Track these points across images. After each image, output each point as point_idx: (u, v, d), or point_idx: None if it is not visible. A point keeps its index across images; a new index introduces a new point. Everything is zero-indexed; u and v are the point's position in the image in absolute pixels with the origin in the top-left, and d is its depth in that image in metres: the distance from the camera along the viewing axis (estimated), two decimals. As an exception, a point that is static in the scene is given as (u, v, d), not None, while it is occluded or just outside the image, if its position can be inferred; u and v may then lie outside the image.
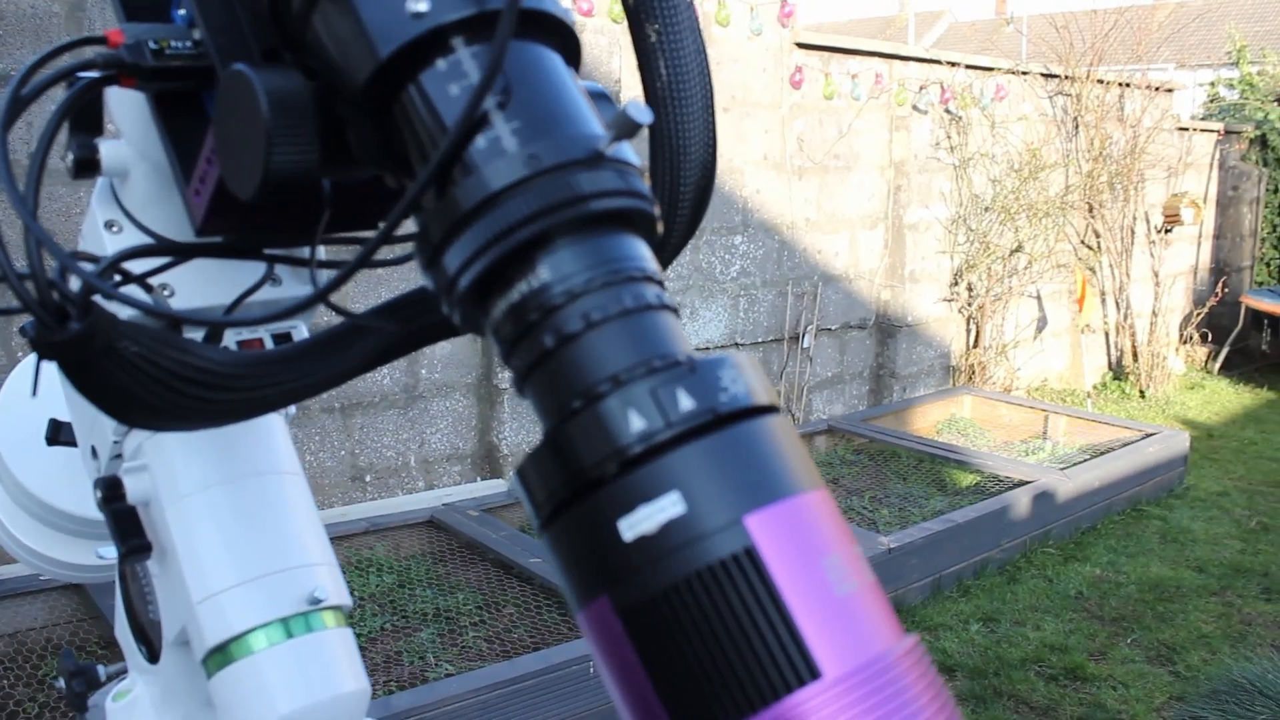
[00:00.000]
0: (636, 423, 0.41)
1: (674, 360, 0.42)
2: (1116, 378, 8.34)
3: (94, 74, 0.64)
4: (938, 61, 6.62)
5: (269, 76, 0.50)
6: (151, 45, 0.62)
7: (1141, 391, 8.07)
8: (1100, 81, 7.66)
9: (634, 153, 0.48)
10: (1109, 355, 8.47)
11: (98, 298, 0.55)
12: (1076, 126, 7.69)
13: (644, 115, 0.45)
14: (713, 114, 0.61)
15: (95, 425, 0.85)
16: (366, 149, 0.51)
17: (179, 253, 0.71)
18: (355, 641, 0.80)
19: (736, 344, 5.88)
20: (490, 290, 0.45)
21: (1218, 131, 9.28)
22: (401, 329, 0.67)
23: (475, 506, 4.47)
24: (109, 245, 0.75)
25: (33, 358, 1.12)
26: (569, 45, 0.51)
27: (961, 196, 6.95)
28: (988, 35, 34.53)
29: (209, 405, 0.59)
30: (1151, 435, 5.90)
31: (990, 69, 7.02)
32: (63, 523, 1.09)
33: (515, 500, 4.64)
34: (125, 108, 0.72)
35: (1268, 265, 10.00)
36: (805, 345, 6.15)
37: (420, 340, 0.69)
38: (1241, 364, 8.95)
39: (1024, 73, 7.26)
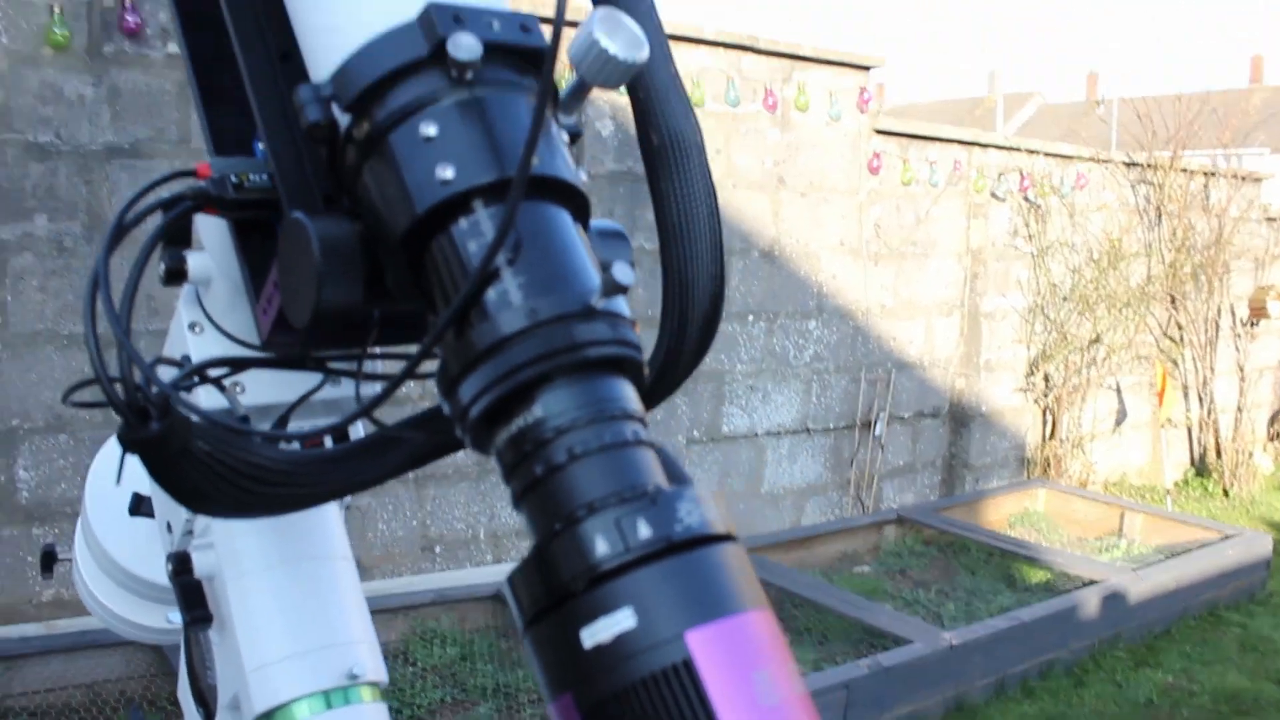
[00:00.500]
0: (602, 547, 0.48)
1: (642, 491, 0.50)
2: (1199, 474, 8.16)
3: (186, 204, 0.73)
4: (1017, 149, 6.64)
5: (322, 224, 0.59)
6: (233, 179, 0.71)
7: (1225, 490, 7.88)
8: (1184, 170, 7.60)
9: (625, 305, 0.55)
10: (1191, 451, 8.30)
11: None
12: (1159, 215, 7.62)
13: (628, 278, 0.53)
14: (721, 251, 0.68)
15: (170, 504, 0.93)
16: (402, 287, 0.59)
17: (246, 364, 0.79)
18: (389, 716, 0.87)
19: (808, 429, 5.89)
20: (495, 420, 0.53)
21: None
22: (432, 441, 0.74)
23: (540, 582, 4.51)
24: (191, 344, 0.85)
25: (101, 469, 1.23)
26: (578, 202, 0.59)
27: (1039, 285, 6.92)
28: (1077, 118, 34.33)
29: (267, 498, 0.67)
30: (1232, 537, 5.77)
31: (1071, 157, 7.02)
32: (139, 587, 1.19)
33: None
34: (209, 227, 0.82)
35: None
36: (877, 433, 6.14)
37: (451, 448, 0.76)
38: (1332, 463, 8.71)
39: (1105, 161, 7.24)
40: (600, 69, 0.58)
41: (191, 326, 0.85)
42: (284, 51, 0.72)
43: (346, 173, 0.61)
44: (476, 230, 0.56)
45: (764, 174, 5.49)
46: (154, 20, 3.92)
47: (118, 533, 1.17)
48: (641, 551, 0.47)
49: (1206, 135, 7.97)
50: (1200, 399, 8.09)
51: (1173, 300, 7.76)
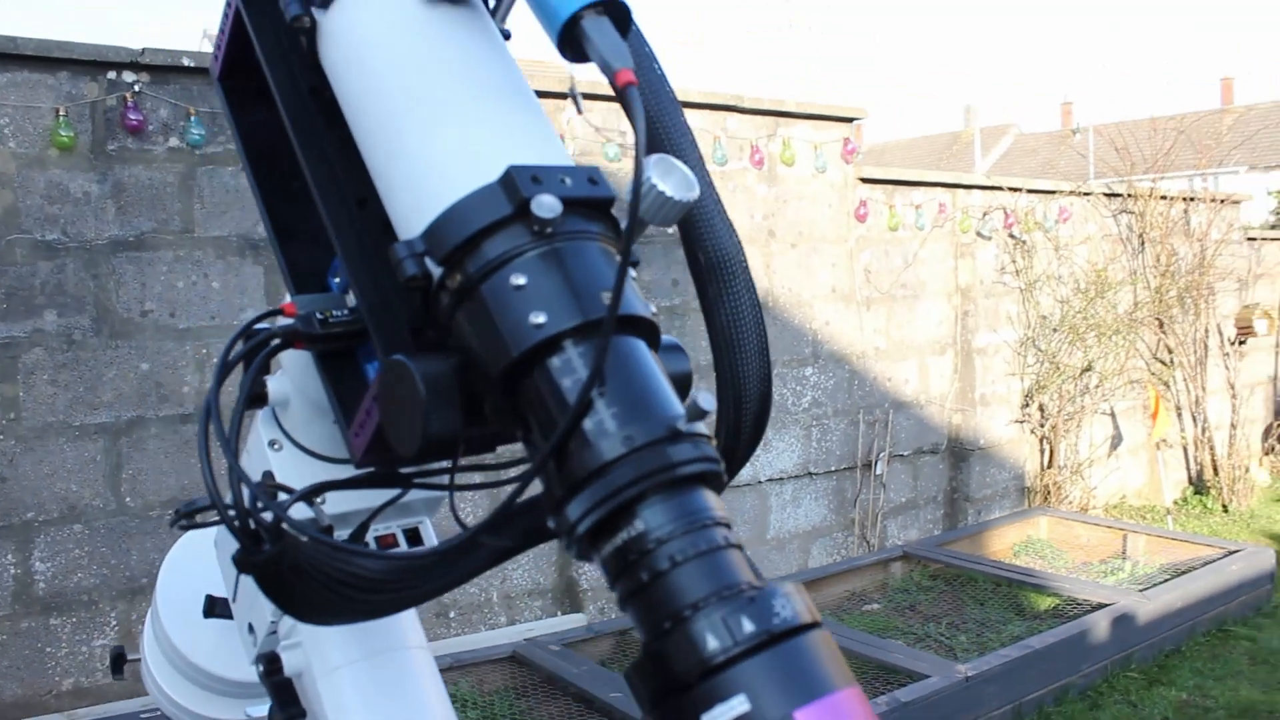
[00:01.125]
0: (712, 642, 0.55)
1: (738, 590, 0.58)
2: (1198, 492, 8.25)
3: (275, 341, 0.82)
4: (999, 188, 6.79)
5: (423, 365, 0.66)
6: (318, 315, 0.80)
7: (1224, 506, 7.96)
8: (1164, 197, 7.76)
9: (704, 426, 0.64)
10: (1188, 470, 8.38)
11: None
12: (1142, 243, 7.77)
13: (710, 404, 0.62)
14: (767, 356, 0.77)
15: (254, 607, 1.01)
16: (498, 413, 0.67)
17: (351, 486, 0.86)
18: None
19: (810, 473, 5.97)
20: (600, 534, 0.61)
21: (1288, 240, 9.29)
22: (511, 542, 0.84)
23: (556, 641, 4.58)
24: (272, 461, 0.94)
25: (197, 547, 1.31)
26: (651, 331, 0.68)
27: (1029, 318, 7.04)
28: (1055, 147, 34.73)
29: (370, 604, 0.76)
30: (1235, 552, 5.84)
31: (1053, 192, 7.17)
32: (212, 684, 1.26)
33: (595, 635, 4.74)
34: (289, 353, 0.91)
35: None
36: (878, 472, 6.23)
37: (531, 542, 0.85)
38: (1329, 473, 8.79)
39: (1086, 193, 7.40)
40: (659, 210, 0.67)
41: (271, 444, 0.94)
42: (360, 198, 0.80)
43: (440, 315, 0.68)
44: (569, 368, 0.63)
45: (754, 227, 5.62)
46: (155, 117, 4.05)
47: (191, 632, 1.24)
48: (747, 644, 0.55)
49: (1183, 158, 8.14)
50: (1194, 418, 8.20)
51: (1160, 324, 7.89)
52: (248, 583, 1.00)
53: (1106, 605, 5.03)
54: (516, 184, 0.66)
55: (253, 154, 0.94)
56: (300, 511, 0.87)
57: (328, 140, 0.83)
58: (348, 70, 0.78)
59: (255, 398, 0.91)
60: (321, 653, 0.96)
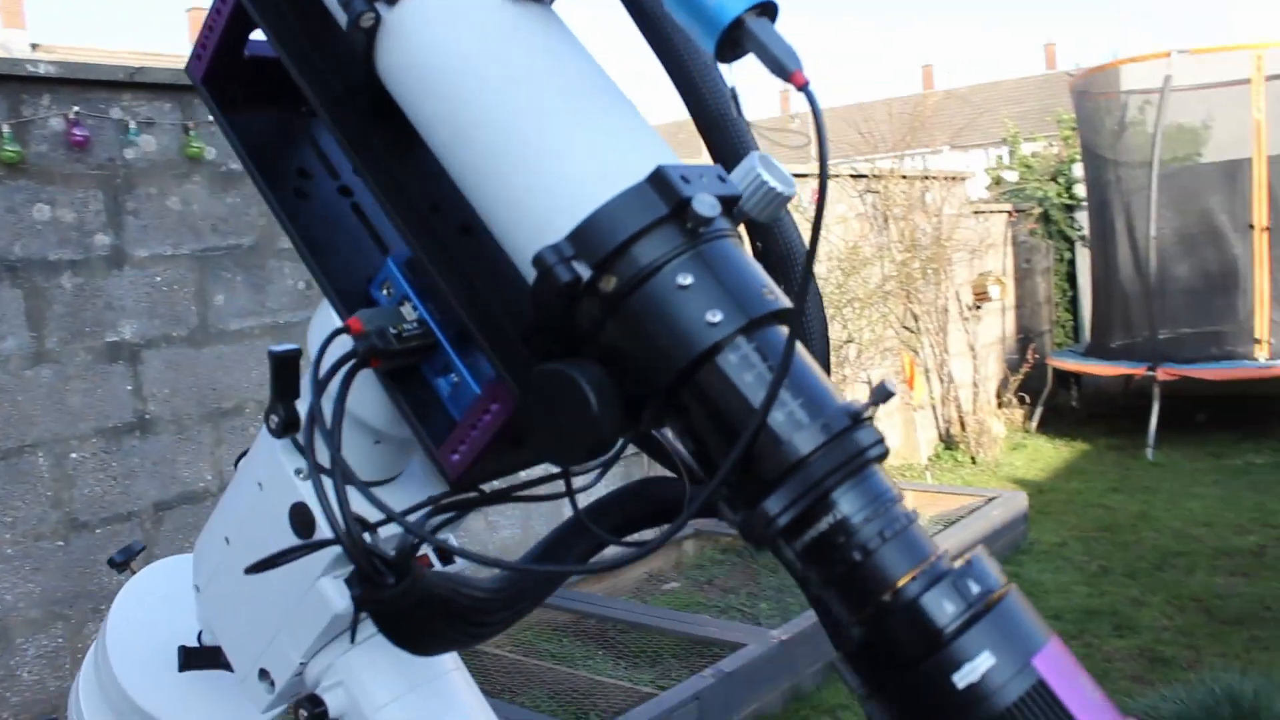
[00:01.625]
0: (949, 609, 0.60)
1: (936, 556, 0.63)
2: (948, 447, 8.90)
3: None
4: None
5: (585, 373, 0.65)
6: (392, 331, 0.78)
7: (973, 458, 8.62)
8: (904, 177, 8.33)
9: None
10: (938, 427, 9.03)
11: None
12: (886, 220, 8.31)
13: (897, 389, 0.67)
14: (828, 340, 0.83)
15: (270, 650, 0.98)
16: (657, 417, 0.68)
17: (475, 505, 0.86)
18: None
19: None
20: (797, 524, 0.63)
21: (1008, 212, 10.14)
22: (595, 546, 0.87)
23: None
24: (301, 489, 0.90)
25: (151, 592, 1.24)
26: (794, 324, 0.68)
27: (792, 296, 7.40)
28: (777, 132, 36.19)
29: (479, 630, 0.78)
30: (994, 499, 6.37)
31: (805, 175, 7.56)
32: None
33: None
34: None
35: (1063, 328, 10.88)
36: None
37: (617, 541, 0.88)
38: (1055, 420, 9.64)
39: (835, 175, 7.84)
40: (766, 204, 0.69)
41: (298, 472, 0.90)
42: (432, 204, 0.78)
43: (582, 321, 0.67)
44: (748, 363, 0.64)
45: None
46: None
47: (152, 685, 1.16)
48: (978, 607, 0.60)
49: (897, 139, 8.76)
50: (940, 379, 8.84)
51: (907, 295, 8.46)
52: (260, 626, 0.97)
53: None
54: (672, 183, 0.66)
55: (258, 162, 0.90)
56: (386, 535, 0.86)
57: (382, 145, 0.80)
58: (428, 71, 0.75)
59: (290, 424, 0.88)
60: (366, 691, 0.94)
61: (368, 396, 0.86)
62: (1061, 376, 9.84)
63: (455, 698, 0.98)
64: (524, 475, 0.87)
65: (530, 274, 0.69)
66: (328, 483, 0.92)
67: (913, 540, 0.64)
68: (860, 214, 8.12)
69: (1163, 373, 8.27)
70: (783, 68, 0.64)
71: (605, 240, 0.66)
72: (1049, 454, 8.91)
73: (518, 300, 0.74)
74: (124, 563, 1.27)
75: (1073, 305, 10.85)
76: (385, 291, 0.84)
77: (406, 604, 0.73)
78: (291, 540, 0.91)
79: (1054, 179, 10.61)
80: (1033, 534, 6.51)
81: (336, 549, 0.85)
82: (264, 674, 1.00)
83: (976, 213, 9.52)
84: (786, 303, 0.68)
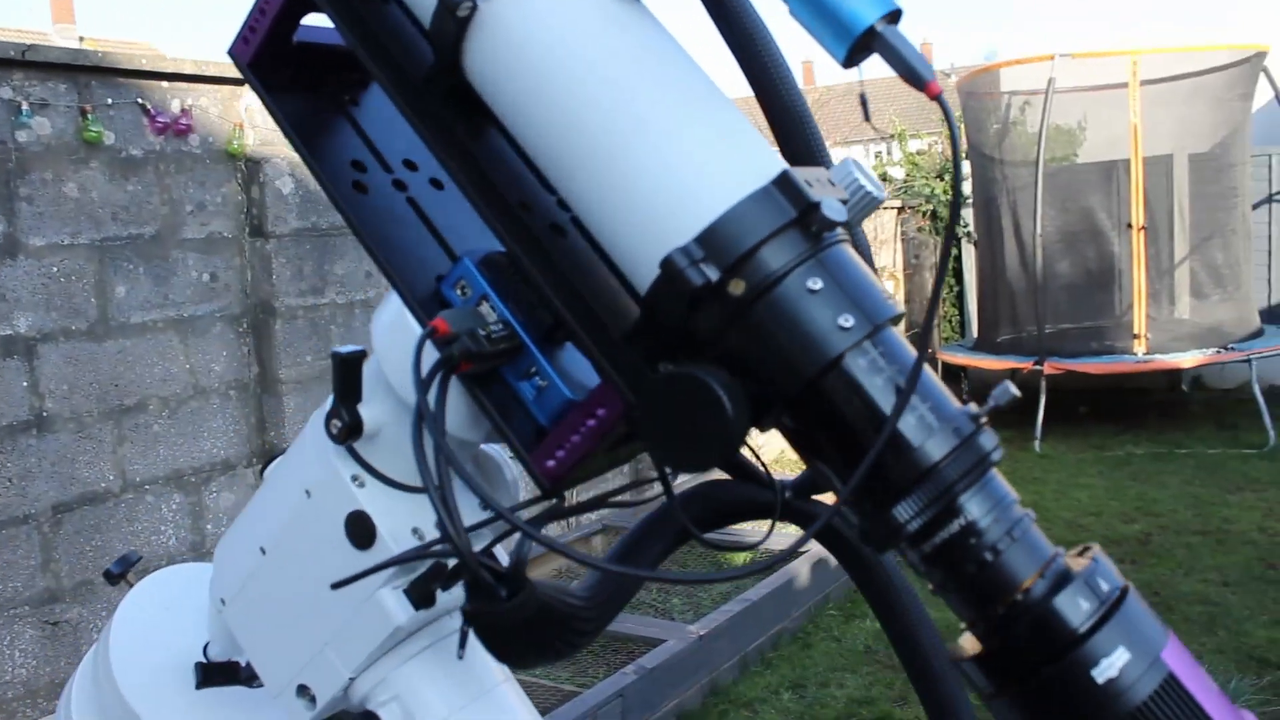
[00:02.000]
0: (1084, 607, 0.62)
1: (1056, 554, 0.65)
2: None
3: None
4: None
5: (715, 376, 0.64)
6: (482, 332, 0.75)
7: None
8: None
9: None
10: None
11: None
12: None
13: (1015, 391, 0.67)
14: None
15: (314, 664, 0.93)
16: (774, 423, 0.68)
17: (573, 513, 0.84)
18: None
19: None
20: (929, 528, 0.64)
21: (898, 209, 10.35)
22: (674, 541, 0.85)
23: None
24: (359, 497, 0.86)
25: (142, 597, 1.17)
26: (926, 331, 0.71)
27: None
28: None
29: (579, 640, 0.75)
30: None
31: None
32: None
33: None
34: (385, 379, 0.85)
35: (950, 323, 11.16)
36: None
37: (680, 544, 0.86)
38: (943, 413, 9.89)
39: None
40: (863, 209, 0.71)
41: (354, 479, 0.87)
42: (521, 201, 0.76)
43: (704, 326, 0.66)
44: (876, 367, 0.65)
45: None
46: None
47: (159, 700, 1.10)
48: (1109, 605, 0.62)
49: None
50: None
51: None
52: (304, 640, 0.93)
53: (803, 553, 5.45)
54: (799, 188, 0.65)
55: (315, 153, 0.85)
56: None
57: (466, 140, 0.77)
58: (533, 65, 0.72)
59: (355, 428, 0.85)
60: (424, 705, 0.91)
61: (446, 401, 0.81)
62: (950, 371, 10.09)
63: (511, 710, 0.95)
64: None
65: (639, 275, 0.69)
66: (374, 493, 0.88)
67: (1035, 540, 0.66)
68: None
69: (1049, 367, 8.54)
70: (918, 77, 0.65)
71: (735, 244, 0.65)
72: (939, 446, 9.09)
73: (614, 303, 0.74)
74: (121, 574, 1.19)
75: (959, 300, 11.14)
76: (460, 291, 0.81)
77: (521, 617, 0.70)
78: (346, 550, 0.87)
79: (940, 176, 10.87)
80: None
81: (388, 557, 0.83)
82: (304, 689, 0.95)
83: (868, 209, 9.69)
84: (902, 307, 0.69)
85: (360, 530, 0.86)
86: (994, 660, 0.65)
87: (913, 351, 0.67)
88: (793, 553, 0.70)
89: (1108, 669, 0.61)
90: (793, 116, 0.78)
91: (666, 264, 0.65)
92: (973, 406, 0.67)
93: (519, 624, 0.71)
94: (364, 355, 0.87)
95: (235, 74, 4.42)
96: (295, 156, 4.66)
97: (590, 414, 0.75)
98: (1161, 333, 8.61)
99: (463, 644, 0.79)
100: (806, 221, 0.65)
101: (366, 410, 0.86)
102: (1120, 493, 7.15)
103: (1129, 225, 8.67)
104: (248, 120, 4.48)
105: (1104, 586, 0.63)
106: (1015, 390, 0.67)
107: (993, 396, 0.66)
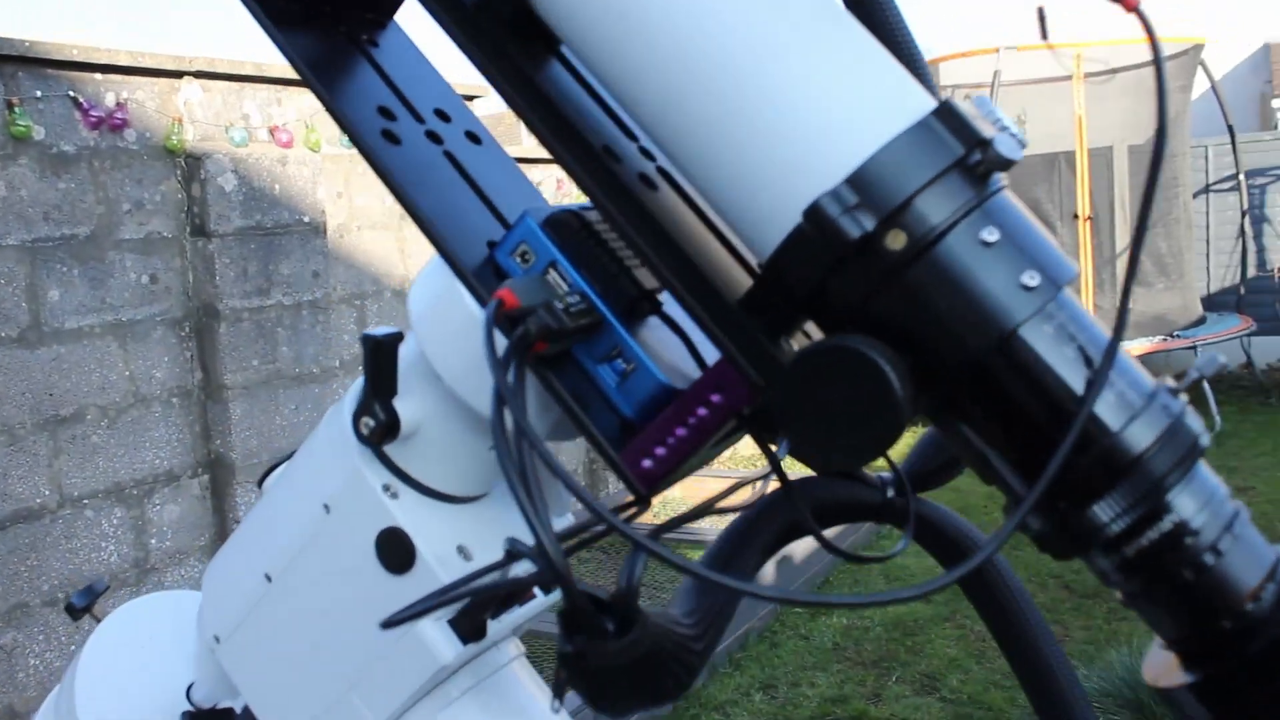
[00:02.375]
0: None
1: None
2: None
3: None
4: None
5: (879, 349, 0.53)
6: (559, 306, 0.62)
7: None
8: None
9: None
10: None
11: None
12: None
13: (1217, 363, 0.58)
14: None
15: (336, 710, 0.78)
16: (937, 404, 0.57)
17: (677, 524, 0.72)
18: None
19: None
20: (1135, 526, 0.54)
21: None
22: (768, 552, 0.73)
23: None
24: (393, 511, 0.73)
25: (112, 634, 1.01)
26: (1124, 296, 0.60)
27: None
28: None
29: (689, 677, 0.62)
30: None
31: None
32: None
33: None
34: (427, 368, 0.72)
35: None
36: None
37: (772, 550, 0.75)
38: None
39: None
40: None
41: (386, 489, 0.73)
42: (604, 145, 0.65)
43: (848, 289, 0.55)
44: (1065, 334, 0.55)
45: (386, 212, 5.41)
46: None
47: None
48: None
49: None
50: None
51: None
52: (322, 683, 0.78)
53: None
54: (967, 120, 0.55)
55: (335, 93, 0.71)
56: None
57: (533, 74, 0.65)
58: None
59: (392, 427, 0.71)
60: None
61: None
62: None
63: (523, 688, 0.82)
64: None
65: (763, 233, 0.58)
66: (409, 504, 0.75)
67: (1256, 538, 0.56)
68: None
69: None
70: None
71: (894, 187, 0.54)
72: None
73: (723, 269, 0.64)
74: (85, 608, 1.03)
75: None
76: (520, 259, 0.67)
77: (633, 656, 0.57)
78: (378, 575, 0.73)
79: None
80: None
81: (434, 586, 0.70)
82: None
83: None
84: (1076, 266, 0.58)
85: (395, 550, 0.72)
86: (1220, 683, 0.55)
87: (1097, 320, 0.57)
88: (963, 573, 0.56)
89: None
90: (909, 58, 0.65)
91: (813, 212, 0.54)
92: (1169, 380, 0.57)
93: (628, 665, 0.57)
94: (400, 338, 0.73)
95: (174, 65, 4.26)
96: (238, 151, 4.49)
97: (702, 401, 0.62)
98: (1108, 321, 8.66)
99: (560, 695, 0.64)
100: (975, 162, 0.54)
101: (403, 405, 0.72)
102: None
103: (1075, 216, 8.72)
104: (187, 114, 4.29)
105: None
106: (1224, 359, 0.59)
107: (1195, 368, 0.57)
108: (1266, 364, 10.07)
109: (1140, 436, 0.54)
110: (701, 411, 0.62)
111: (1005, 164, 0.54)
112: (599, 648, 0.55)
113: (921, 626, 4.99)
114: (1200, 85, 9.27)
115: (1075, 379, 0.54)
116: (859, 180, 0.54)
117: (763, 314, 0.59)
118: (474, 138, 0.78)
